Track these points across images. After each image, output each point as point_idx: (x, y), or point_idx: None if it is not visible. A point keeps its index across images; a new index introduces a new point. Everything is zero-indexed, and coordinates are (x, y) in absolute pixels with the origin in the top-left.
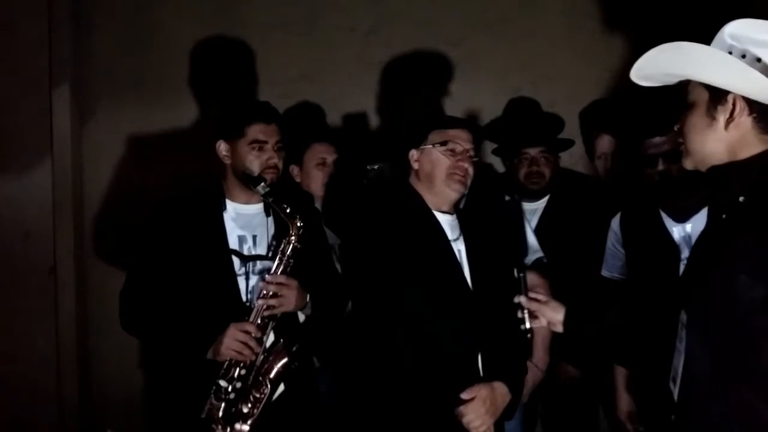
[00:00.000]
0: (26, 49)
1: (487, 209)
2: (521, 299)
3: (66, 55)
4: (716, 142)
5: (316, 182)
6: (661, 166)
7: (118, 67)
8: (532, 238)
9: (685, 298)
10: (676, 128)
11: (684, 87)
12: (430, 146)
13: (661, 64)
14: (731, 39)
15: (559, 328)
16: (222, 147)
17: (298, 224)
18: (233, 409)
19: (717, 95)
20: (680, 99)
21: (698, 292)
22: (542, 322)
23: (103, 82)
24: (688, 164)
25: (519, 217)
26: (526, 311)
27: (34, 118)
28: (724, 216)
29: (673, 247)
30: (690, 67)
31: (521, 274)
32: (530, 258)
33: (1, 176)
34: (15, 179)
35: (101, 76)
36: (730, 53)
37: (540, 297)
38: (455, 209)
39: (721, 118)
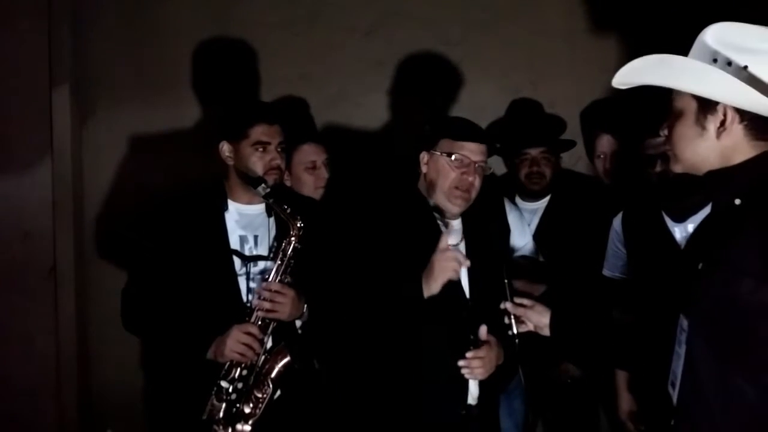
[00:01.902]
0: (26, 49)
1: (488, 213)
2: (507, 305)
3: (66, 55)
4: (708, 150)
5: (307, 187)
6: (659, 167)
7: (118, 67)
8: (528, 239)
9: (684, 302)
10: (662, 134)
11: (668, 91)
12: (439, 153)
13: (644, 76)
14: (715, 44)
15: (546, 332)
16: (225, 148)
17: (299, 225)
18: (234, 409)
19: (706, 105)
20: (665, 103)
21: (698, 296)
22: (529, 326)
23: (103, 82)
24: (678, 169)
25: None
26: (512, 317)
27: (34, 118)
28: (719, 219)
29: (674, 246)
30: (676, 80)
31: (506, 280)
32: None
33: (1, 176)
34: (15, 179)
35: (101, 76)
36: (715, 60)
37: (525, 302)
38: (460, 214)
39: (712, 127)
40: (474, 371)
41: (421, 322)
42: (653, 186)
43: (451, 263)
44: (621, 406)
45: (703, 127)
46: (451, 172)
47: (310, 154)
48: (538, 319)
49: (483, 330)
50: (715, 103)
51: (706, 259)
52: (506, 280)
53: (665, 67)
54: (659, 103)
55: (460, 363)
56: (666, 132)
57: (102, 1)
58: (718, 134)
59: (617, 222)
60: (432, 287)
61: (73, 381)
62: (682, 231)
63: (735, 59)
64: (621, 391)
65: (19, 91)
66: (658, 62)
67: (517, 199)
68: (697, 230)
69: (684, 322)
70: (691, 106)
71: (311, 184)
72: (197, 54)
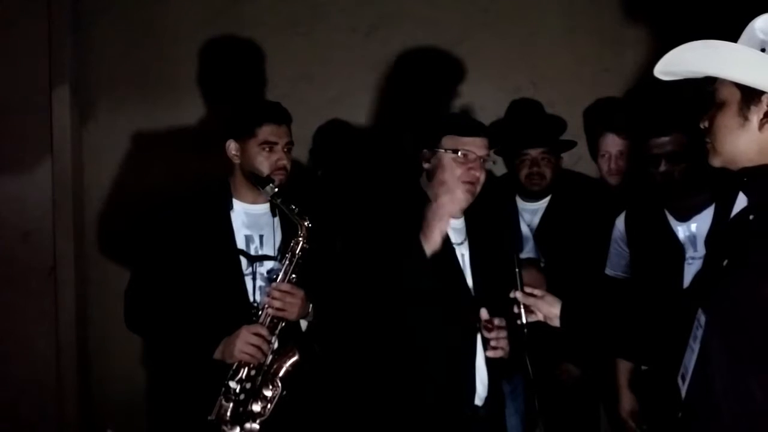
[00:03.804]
0: (26, 49)
1: (491, 211)
2: (517, 294)
3: (66, 55)
4: (748, 143)
5: None
6: (663, 167)
7: (118, 67)
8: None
9: (704, 297)
10: (703, 126)
11: (702, 83)
12: (442, 151)
13: (690, 62)
14: (764, 34)
15: (556, 323)
16: (232, 146)
17: (307, 225)
18: (241, 409)
19: (750, 95)
20: (704, 96)
21: (720, 293)
22: (538, 316)
23: (103, 82)
24: (716, 163)
25: (514, 214)
26: (522, 306)
27: (34, 118)
28: (751, 217)
29: (677, 246)
30: (722, 66)
31: (517, 270)
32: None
33: (1, 176)
34: (15, 179)
35: (101, 76)
36: (763, 50)
37: (536, 292)
38: (463, 213)
39: (755, 118)
40: (499, 344)
41: (426, 322)
42: (657, 185)
43: (446, 207)
44: (622, 405)
45: (746, 118)
46: (457, 168)
47: None
48: (548, 310)
49: (483, 313)
50: (760, 94)
51: (732, 256)
52: (517, 270)
53: (711, 53)
54: (663, 103)
55: (491, 344)
56: (706, 123)
57: (102, 2)
58: (761, 126)
59: (620, 221)
60: (432, 242)
61: (73, 380)
62: (685, 230)
63: None
64: (622, 389)
65: (19, 91)
66: (703, 47)
67: (518, 200)
68: (725, 226)
69: (702, 318)
70: (735, 96)
71: None
72: (197, 54)
